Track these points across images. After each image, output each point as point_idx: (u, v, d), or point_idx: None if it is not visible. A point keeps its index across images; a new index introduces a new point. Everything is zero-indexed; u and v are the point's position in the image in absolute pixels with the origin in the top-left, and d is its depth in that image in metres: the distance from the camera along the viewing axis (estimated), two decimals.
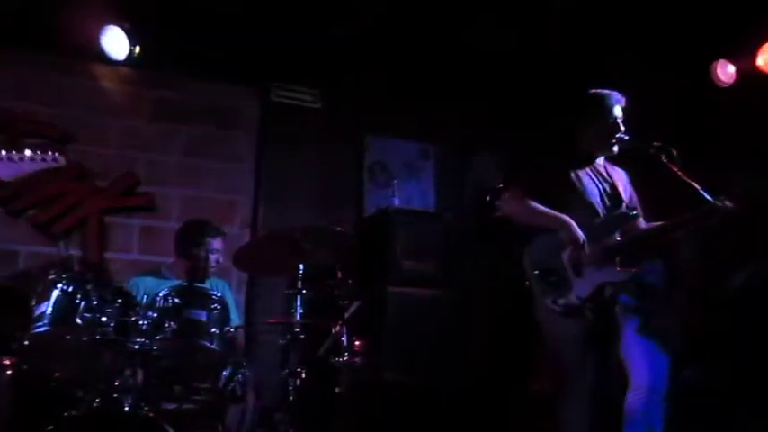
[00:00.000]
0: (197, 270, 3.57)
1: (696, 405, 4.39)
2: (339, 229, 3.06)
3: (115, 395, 2.53)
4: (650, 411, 3.95)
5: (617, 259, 2.90)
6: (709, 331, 4.50)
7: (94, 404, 2.48)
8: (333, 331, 3.22)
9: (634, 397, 3.87)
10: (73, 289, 2.69)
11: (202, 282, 3.42)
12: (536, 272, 2.87)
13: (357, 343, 3.12)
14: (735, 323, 4.44)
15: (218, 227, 3.76)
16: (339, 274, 3.23)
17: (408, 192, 5.11)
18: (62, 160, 2.23)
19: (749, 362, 4.42)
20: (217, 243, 3.64)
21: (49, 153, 2.21)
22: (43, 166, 2.21)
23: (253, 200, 4.71)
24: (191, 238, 3.65)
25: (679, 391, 4.05)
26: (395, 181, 4.88)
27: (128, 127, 4.46)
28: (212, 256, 3.59)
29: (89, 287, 2.67)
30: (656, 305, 3.97)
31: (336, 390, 3.08)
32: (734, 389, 4.30)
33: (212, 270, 3.59)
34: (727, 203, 2.83)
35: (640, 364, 3.88)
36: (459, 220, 5.15)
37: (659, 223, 2.96)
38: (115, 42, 4.14)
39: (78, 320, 2.60)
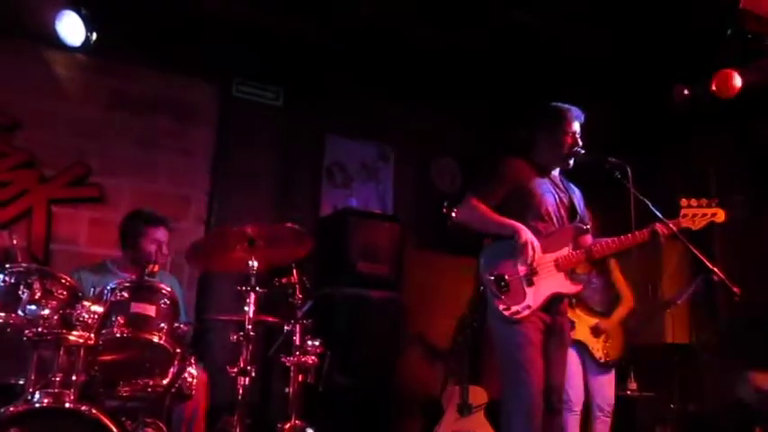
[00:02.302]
0: (141, 262, 3.49)
1: (635, 418, 4.52)
2: (296, 227, 3.02)
3: (56, 391, 2.44)
4: (592, 427, 4.06)
5: (569, 271, 2.96)
6: (650, 346, 4.64)
7: (34, 400, 2.39)
8: (285, 330, 3.19)
9: (569, 415, 3.96)
10: (15, 280, 2.60)
11: (152, 276, 3.34)
12: (490, 277, 2.90)
13: (309, 343, 3.10)
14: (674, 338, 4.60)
15: (160, 216, 3.65)
16: (294, 273, 3.21)
17: (366, 193, 5.12)
18: None
19: (688, 375, 4.58)
20: (160, 233, 3.55)
21: None
22: None
23: (208, 195, 4.64)
24: (133, 229, 3.57)
25: (619, 404, 4.17)
26: (353, 182, 4.89)
27: (80, 115, 4.33)
28: (154, 247, 3.50)
29: (33, 278, 2.59)
30: (582, 319, 4.07)
31: (286, 389, 3.05)
32: (672, 401, 4.45)
33: (157, 261, 3.48)
34: (672, 225, 2.93)
35: (572, 382, 3.96)
36: (416, 223, 5.20)
37: (609, 239, 3.02)
38: (71, 28, 4.01)
39: (20, 312, 2.51)
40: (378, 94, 5.03)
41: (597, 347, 3.98)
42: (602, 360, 3.98)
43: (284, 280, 3.20)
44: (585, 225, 3.11)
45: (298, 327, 3.12)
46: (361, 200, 4.94)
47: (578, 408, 3.94)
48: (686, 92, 4.41)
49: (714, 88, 4.27)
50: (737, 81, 4.23)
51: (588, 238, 3.11)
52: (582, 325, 3.95)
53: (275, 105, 4.90)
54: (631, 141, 4.60)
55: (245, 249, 2.98)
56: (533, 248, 2.83)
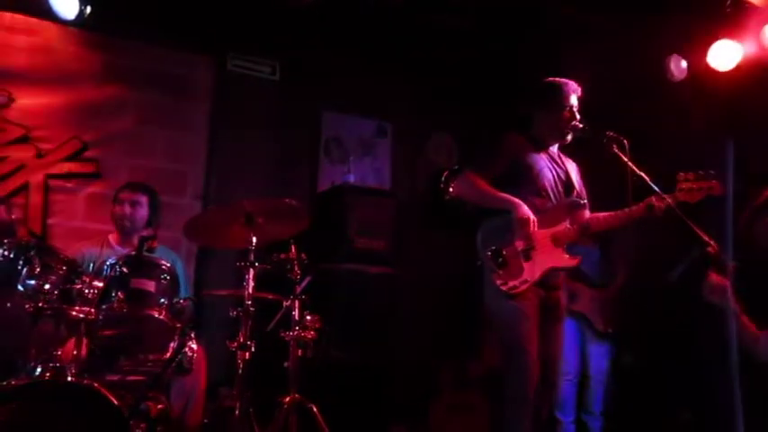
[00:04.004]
0: (118, 228, 3.57)
1: (633, 388, 4.58)
2: (294, 202, 3.02)
3: (57, 365, 2.46)
4: (586, 395, 4.13)
5: (565, 245, 2.97)
6: (646, 320, 4.68)
7: (35, 374, 2.41)
8: (284, 305, 3.20)
9: (565, 384, 4.03)
10: (14, 255, 2.59)
11: (151, 251, 3.35)
12: (488, 252, 2.91)
13: (308, 318, 3.12)
14: (671, 313, 4.64)
15: (133, 183, 3.72)
16: (292, 249, 3.21)
17: (363, 169, 5.11)
18: None
19: (683, 349, 4.62)
20: (126, 194, 3.61)
21: None
22: None
23: (204, 171, 4.62)
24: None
25: (618, 374, 4.24)
26: (350, 157, 4.87)
27: (75, 90, 4.29)
28: (122, 208, 3.56)
29: (32, 253, 2.58)
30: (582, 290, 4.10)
31: (285, 364, 3.07)
32: (668, 374, 4.51)
33: (124, 224, 3.55)
34: (669, 199, 2.93)
35: (569, 352, 4.02)
36: (413, 198, 5.19)
37: (606, 214, 3.03)
38: (65, 1, 3.96)
39: (20, 287, 2.51)
40: (375, 69, 4.99)
41: (597, 319, 4.06)
42: (602, 331, 4.07)
43: (282, 256, 3.21)
44: (582, 200, 3.11)
45: (296, 302, 3.13)
46: (358, 175, 4.92)
47: (572, 376, 4.04)
48: (683, 63, 4.38)
49: (711, 60, 4.25)
50: (736, 53, 4.19)
51: (585, 213, 3.11)
52: (583, 297, 4.03)
53: (271, 80, 4.86)
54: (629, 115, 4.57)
55: (242, 225, 2.98)
56: (531, 224, 2.84)
